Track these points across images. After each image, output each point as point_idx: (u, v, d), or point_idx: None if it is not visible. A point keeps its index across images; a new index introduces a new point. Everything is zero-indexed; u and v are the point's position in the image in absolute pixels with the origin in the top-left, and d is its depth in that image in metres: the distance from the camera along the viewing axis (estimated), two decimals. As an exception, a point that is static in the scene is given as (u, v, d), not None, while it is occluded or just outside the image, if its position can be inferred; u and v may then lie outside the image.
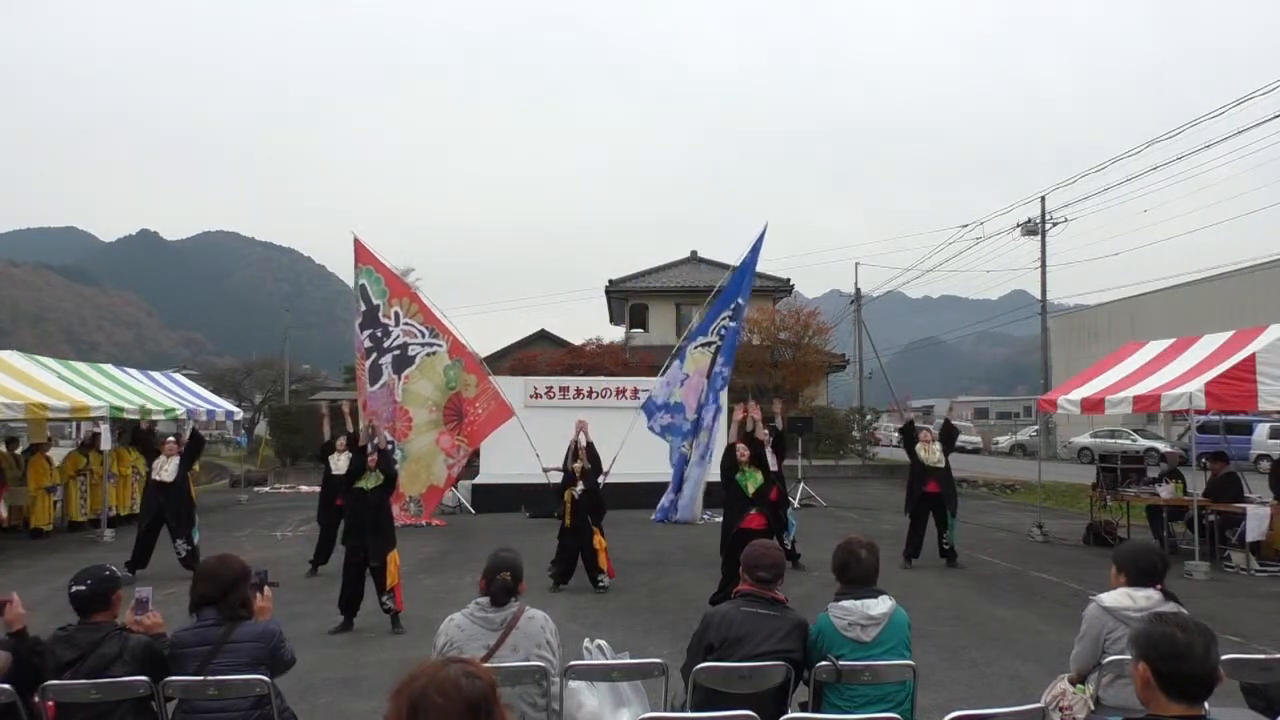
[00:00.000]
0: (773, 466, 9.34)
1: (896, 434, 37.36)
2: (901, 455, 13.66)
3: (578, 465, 9.35)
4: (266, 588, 3.66)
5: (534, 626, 3.57)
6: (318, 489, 11.34)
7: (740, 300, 12.53)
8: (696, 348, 12.56)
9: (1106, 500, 12.29)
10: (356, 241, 11.29)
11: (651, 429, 12.79)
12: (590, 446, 9.52)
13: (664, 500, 13.81)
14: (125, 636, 3.37)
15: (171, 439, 10.94)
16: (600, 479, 9.57)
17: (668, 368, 12.95)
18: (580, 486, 9.25)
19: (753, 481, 8.29)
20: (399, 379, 11.40)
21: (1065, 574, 9.88)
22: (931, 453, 10.70)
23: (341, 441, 10.32)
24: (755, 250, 12.71)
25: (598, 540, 9.15)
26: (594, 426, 9.87)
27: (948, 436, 11.00)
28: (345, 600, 7.49)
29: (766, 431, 9.45)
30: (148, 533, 10.04)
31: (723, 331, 12.53)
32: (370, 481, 7.62)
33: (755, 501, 8.26)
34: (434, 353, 11.36)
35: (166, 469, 10.21)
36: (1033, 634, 7.31)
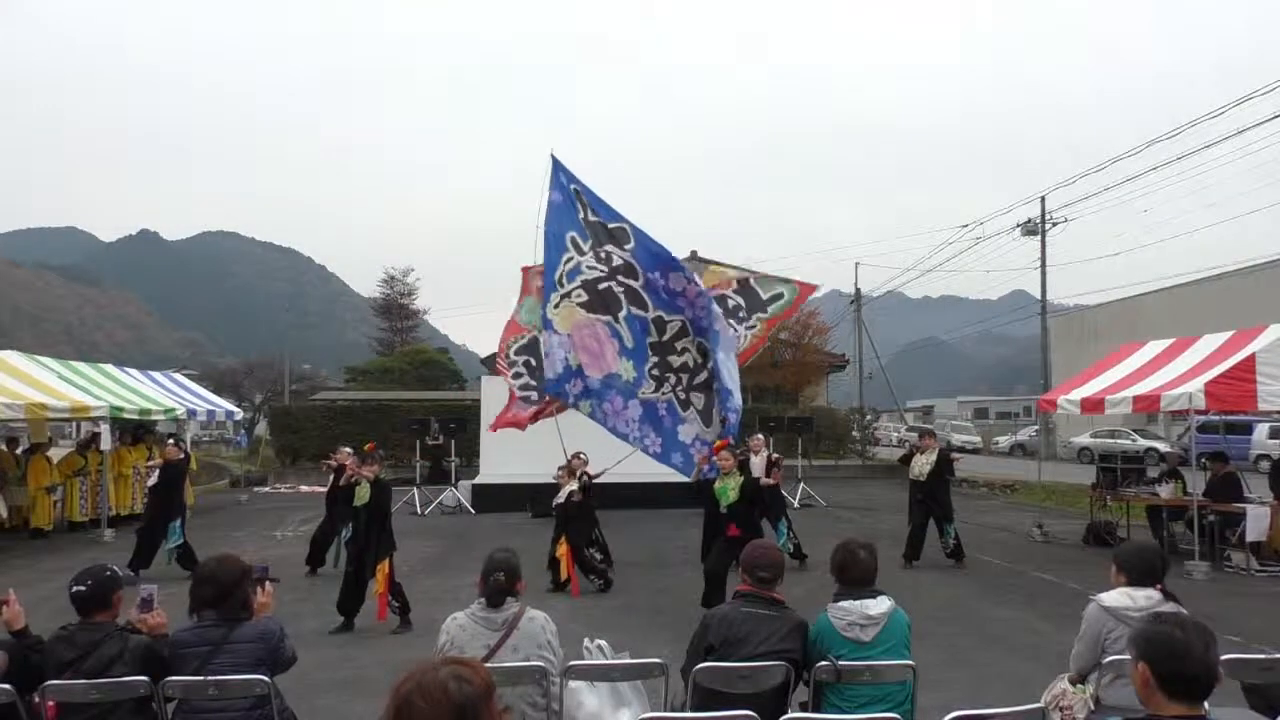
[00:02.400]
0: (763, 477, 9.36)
1: (897, 435, 37.27)
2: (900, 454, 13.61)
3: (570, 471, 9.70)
4: (268, 583, 3.65)
5: (534, 627, 3.58)
6: (317, 489, 11.35)
7: (574, 235, 10.46)
8: (555, 308, 10.56)
9: (1106, 500, 12.30)
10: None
11: (575, 407, 10.77)
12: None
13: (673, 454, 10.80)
14: (126, 637, 3.37)
15: (170, 442, 10.99)
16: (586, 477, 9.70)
17: (546, 350, 10.67)
18: (566, 492, 9.47)
19: (724, 498, 8.09)
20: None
21: (1065, 574, 9.88)
22: (916, 464, 10.84)
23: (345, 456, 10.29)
24: (561, 182, 10.61)
25: (560, 548, 9.21)
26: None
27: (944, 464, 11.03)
28: (343, 606, 7.56)
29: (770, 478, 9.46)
30: (146, 532, 10.14)
31: (581, 274, 10.52)
32: (361, 498, 7.68)
33: (729, 515, 8.03)
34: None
35: (154, 474, 10.49)
36: (1033, 634, 7.32)
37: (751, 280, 11.27)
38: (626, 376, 10.54)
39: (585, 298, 10.54)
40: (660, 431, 10.82)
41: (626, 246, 10.68)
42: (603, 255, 10.59)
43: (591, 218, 10.69)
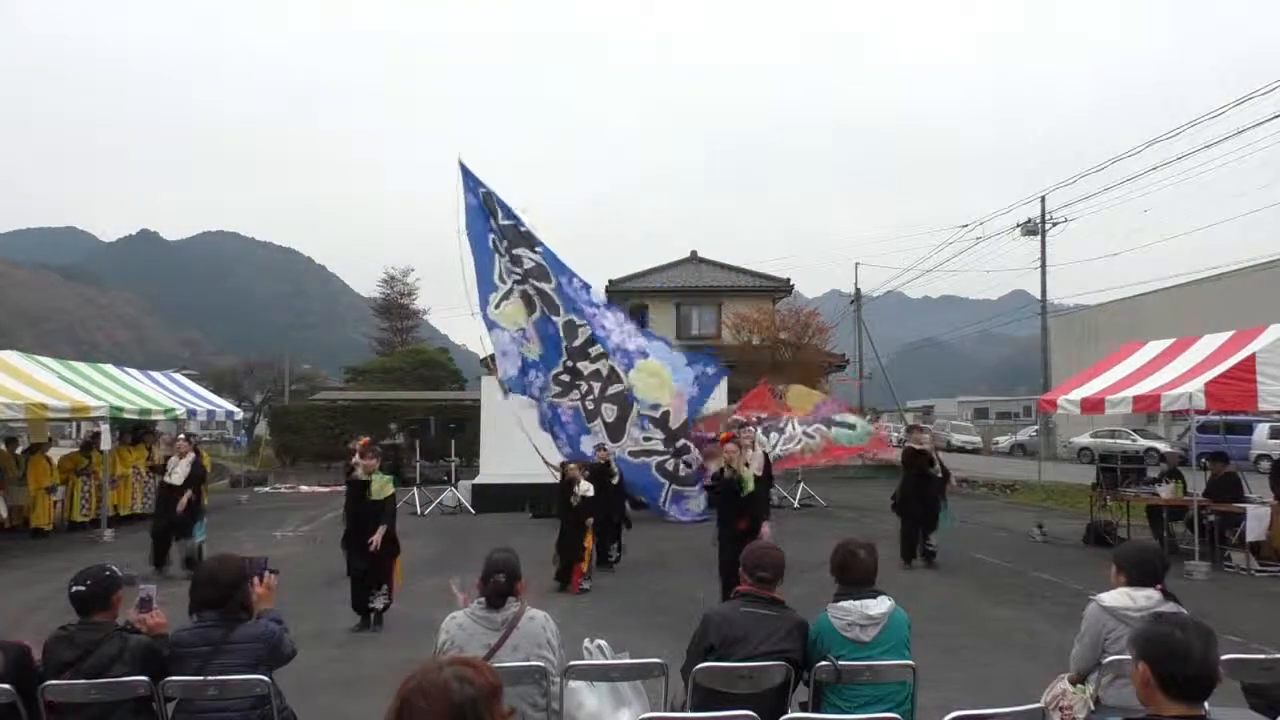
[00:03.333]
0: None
1: (897, 436, 37.39)
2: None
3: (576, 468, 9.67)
4: (268, 574, 3.64)
5: (535, 627, 3.57)
6: (317, 489, 11.34)
7: (494, 238, 10.62)
8: (497, 308, 10.70)
9: (1106, 500, 12.29)
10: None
11: (538, 399, 11.03)
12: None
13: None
14: (125, 637, 3.37)
15: (182, 438, 10.94)
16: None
17: (501, 350, 10.85)
18: (583, 488, 9.44)
19: (744, 487, 8.09)
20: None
21: (1065, 574, 9.88)
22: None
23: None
24: (472, 188, 10.80)
25: (588, 540, 9.39)
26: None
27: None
28: (358, 604, 7.61)
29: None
30: (164, 532, 10.17)
31: (514, 275, 10.66)
32: (384, 490, 7.61)
33: (747, 503, 8.08)
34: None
35: (177, 470, 10.28)
36: (1033, 634, 7.32)
37: (831, 404, 11.53)
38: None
39: (519, 297, 10.79)
40: (563, 434, 11.02)
41: (537, 249, 10.81)
42: (514, 258, 10.72)
43: (503, 221, 10.83)
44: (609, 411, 10.87)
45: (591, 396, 10.83)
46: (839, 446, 11.24)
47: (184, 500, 10.07)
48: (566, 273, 10.97)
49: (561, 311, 10.89)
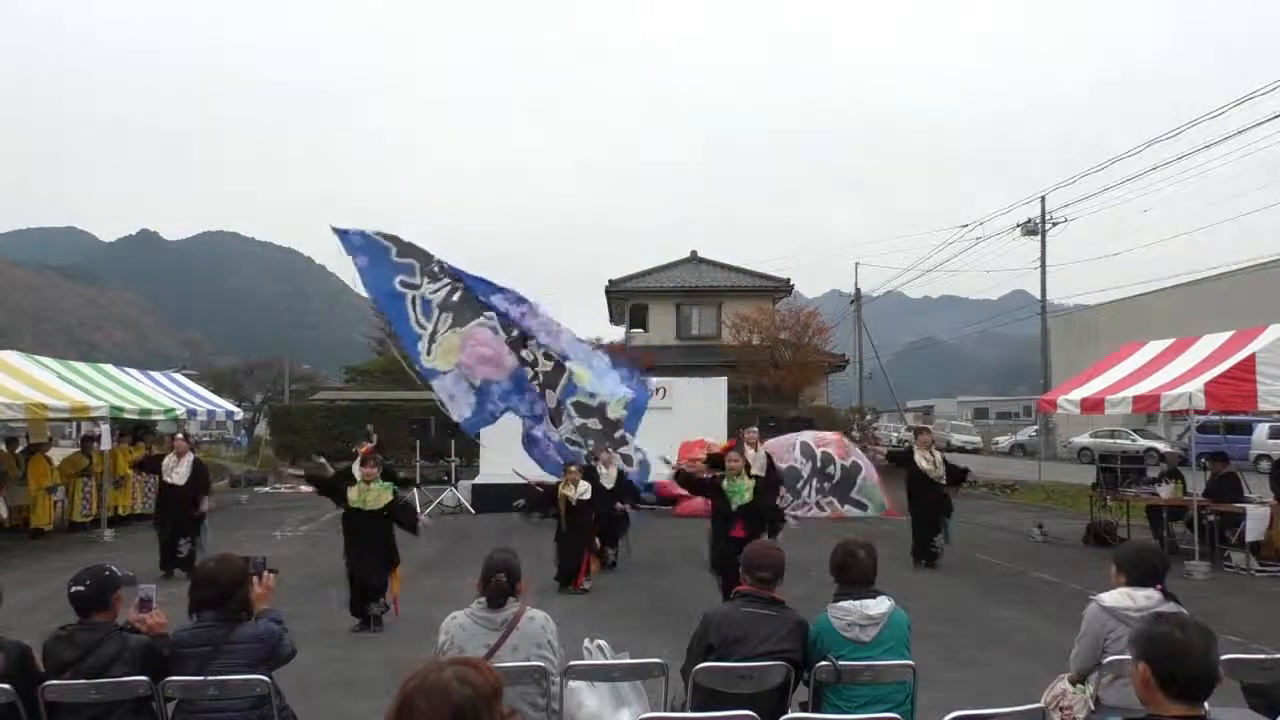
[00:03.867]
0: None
1: (897, 436, 37.48)
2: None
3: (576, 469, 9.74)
4: (267, 574, 3.64)
5: (534, 627, 3.57)
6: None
7: (401, 279, 10.44)
8: (430, 355, 10.47)
9: (1106, 500, 12.30)
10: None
11: (514, 412, 10.85)
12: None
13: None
14: (125, 637, 3.36)
15: (180, 437, 10.91)
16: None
17: (447, 394, 10.57)
18: (581, 489, 9.48)
19: (738, 497, 7.97)
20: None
21: (1065, 574, 9.88)
22: (936, 461, 10.74)
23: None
24: (357, 243, 10.51)
25: (593, 539, 9.56)
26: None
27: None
28: (356, 609, 7.62)
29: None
30: (171, 538, 10.12)
31: (432, 300, 10.48)
32: (381, 500, 7.58)
33: (739, 513, 7.98)
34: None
35: (177, 471, 10.23)
36: (1033, 634, 7.32)
37: (861, 474, 11.23)
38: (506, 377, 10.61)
39: (451, 317, 10.44)
40: (538, 430, 10.90)
41: (441, 266, 10.70)
42: (434, 270, 10.58)
43: (405, 244, 10.68)
44: (551, 397, 10.85)
45: (537, 381, 10.81)
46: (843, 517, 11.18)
47: (203, 504, 10.16)
48: (479, 281, 10.83)
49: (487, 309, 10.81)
